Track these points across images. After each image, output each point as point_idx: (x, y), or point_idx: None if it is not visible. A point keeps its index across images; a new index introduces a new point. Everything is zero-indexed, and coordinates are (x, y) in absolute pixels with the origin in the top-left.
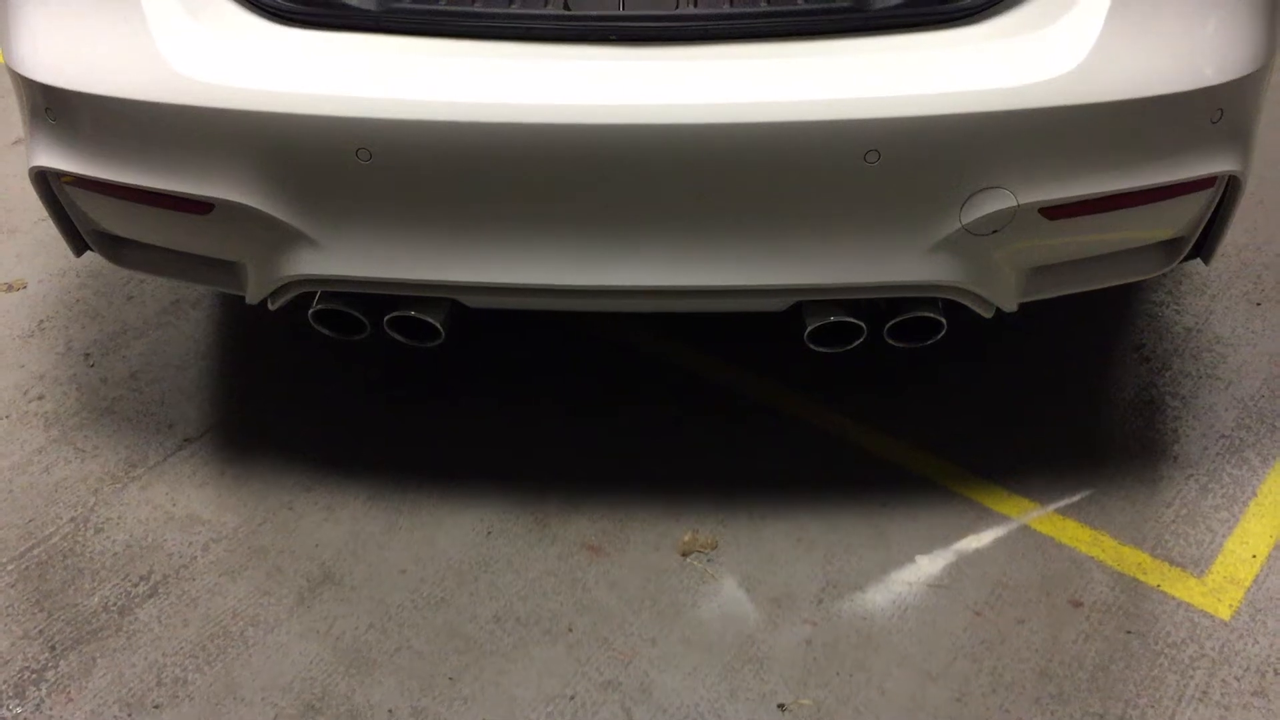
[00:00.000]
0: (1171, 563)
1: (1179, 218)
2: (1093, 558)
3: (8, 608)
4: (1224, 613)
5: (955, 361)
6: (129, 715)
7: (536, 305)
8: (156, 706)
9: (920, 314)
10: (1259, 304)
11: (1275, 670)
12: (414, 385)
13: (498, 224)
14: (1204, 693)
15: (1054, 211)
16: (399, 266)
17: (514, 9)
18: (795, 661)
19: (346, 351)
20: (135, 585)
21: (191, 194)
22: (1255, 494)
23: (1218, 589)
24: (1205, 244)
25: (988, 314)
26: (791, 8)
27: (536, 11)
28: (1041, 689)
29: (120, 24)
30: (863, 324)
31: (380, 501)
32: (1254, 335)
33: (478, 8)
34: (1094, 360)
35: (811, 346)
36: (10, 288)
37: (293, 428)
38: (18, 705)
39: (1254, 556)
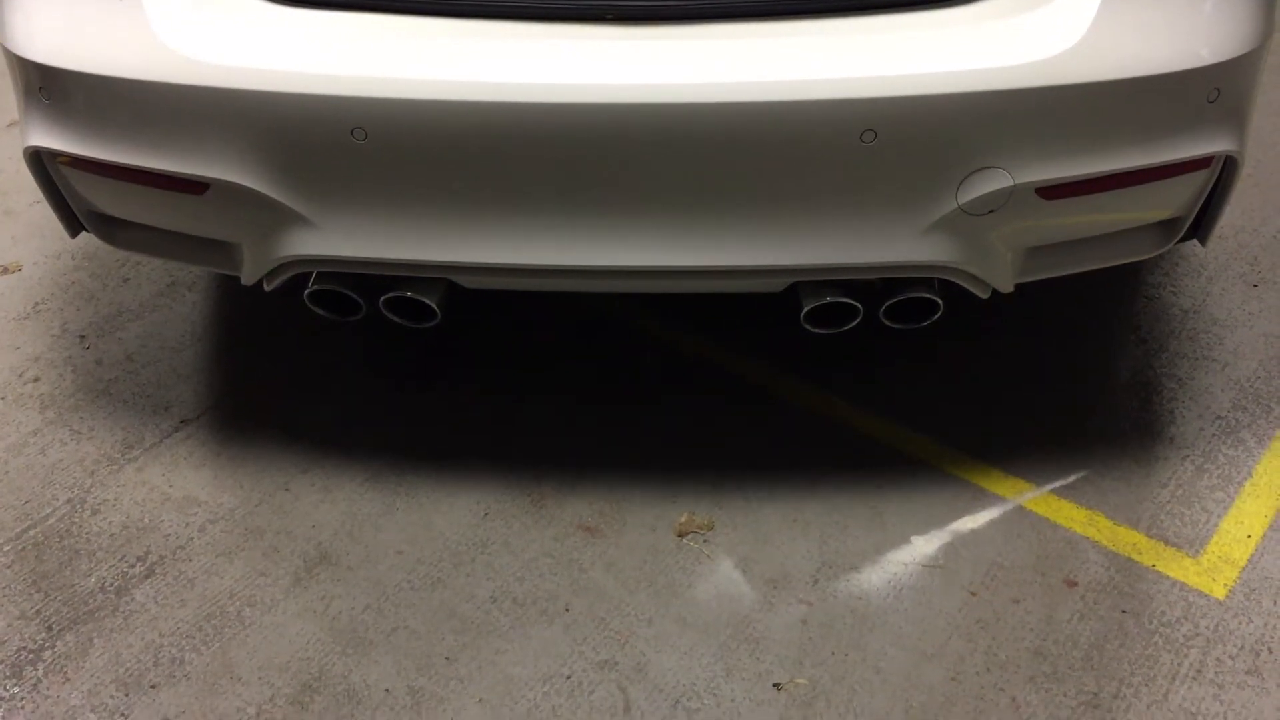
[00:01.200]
0: (1167, 543)
1: (1175, 198)
2: (1088, 538)
3: (4, 589)
4: (1219, 592)
5: (951, 343)
6: (126, 695)
7: (532, 286)
8: (153, 686)
9: (916, 295)
10: (1255, 285)
11: (1269, 649)
12: (410, 367)
13: (493, 204)
14: (1198, 671)
15: (1050, 192)
16: (395, 247)
17: None
18: (791, 641)
19: (343, 333)
20: (132, 566)
21: (186, 174)
22: (1250, 474)
23: (1213, 569)
24: (1202, 225)
25: (984, 294)
26: None
27: None
28: (1036, 668)
29: (115, 2)
30: (859, 305)
31: (377, 483)
32: (1250, 316)
33: None
34: (1090, 341)
35: (808, 328)
36: (5, 270)
37: (289, 409)
38: (15, 685)
39: (1249, 536)
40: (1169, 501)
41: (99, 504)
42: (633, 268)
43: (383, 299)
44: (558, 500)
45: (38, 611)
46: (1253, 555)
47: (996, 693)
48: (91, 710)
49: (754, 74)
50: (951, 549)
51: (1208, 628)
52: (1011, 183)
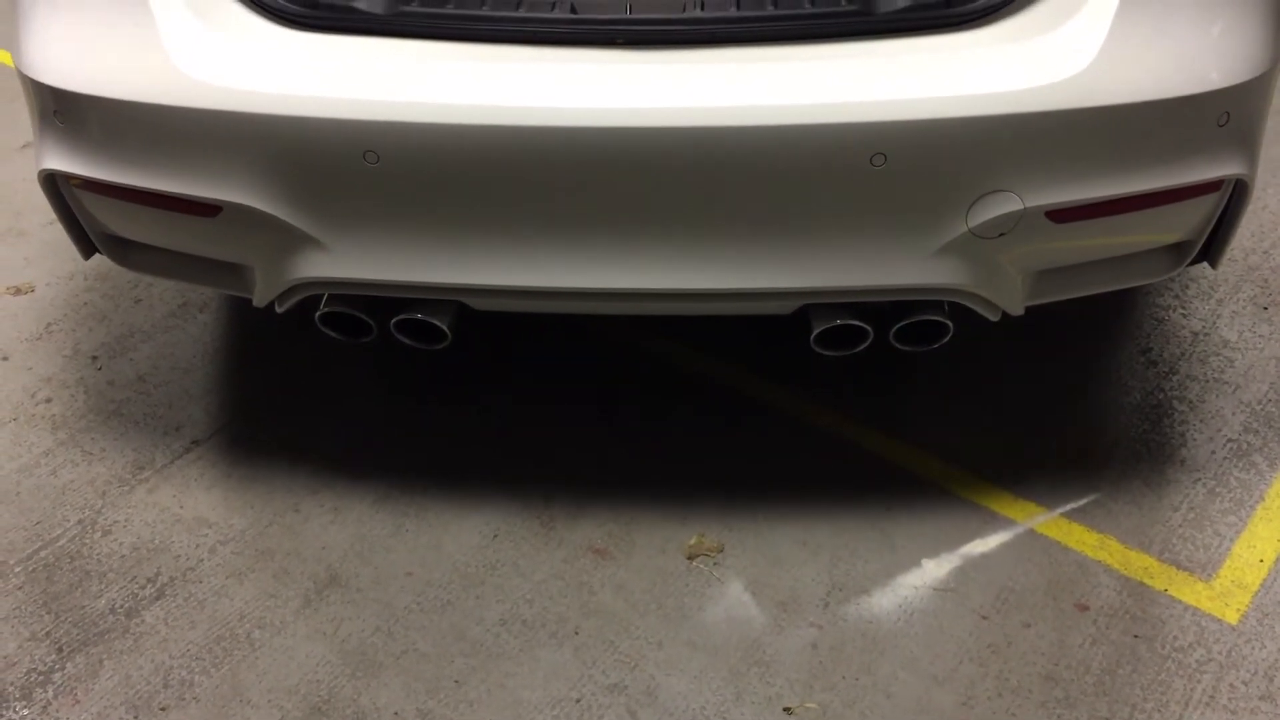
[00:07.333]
0: (1179, 567)
1: (1186, 221)
2: (1099, 562)
3: (15, 610)
4: (1231, 617)
5: (961, 365)
6: (135, 717)
7: (543, 308)
8: (163, 709)
9: (926, 317)
10: (1266, 308)
11: None
12: (420, 388)
13: (505, 227)
14: (1211, 697)
15: (1060, 215)
16: (406, 269)
17: (521, 12)
18: (801, 665)
19: (353, 355)
20: (142, 587)
21: (199, 197)
22: (1263, 498)
23: (1225, 593)
24: (1212, 248)
25: (994, 317)
26: (798, 11)
27: (544, 15)
28: (1048, 693)
29: (129, 27)
30: (869, 327)
31: (387, 504)
32: (1261, 339)
33: (485, 11)
34: (1100, 364)
35: (817, 350)
36: (18, 291)
37: (299, 431)
38: (25, 707)
39: (1261, 561)
40: (1181, 525)
41: (110, 525)
42: (645, 290)
43: (393, 321)
44: (567, 522)
45: (48, 633)
46: (1265, 579)
47: (1008, 718)
48: None
49: (765, 98)
50: (962, 572)
51: (1220, 653)
52: (1022, 206)
